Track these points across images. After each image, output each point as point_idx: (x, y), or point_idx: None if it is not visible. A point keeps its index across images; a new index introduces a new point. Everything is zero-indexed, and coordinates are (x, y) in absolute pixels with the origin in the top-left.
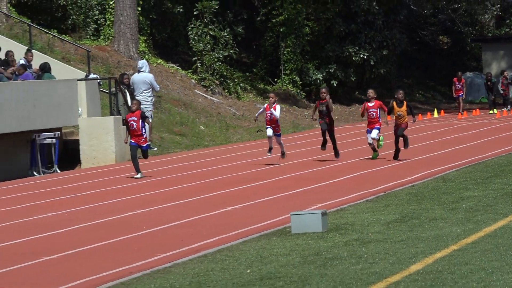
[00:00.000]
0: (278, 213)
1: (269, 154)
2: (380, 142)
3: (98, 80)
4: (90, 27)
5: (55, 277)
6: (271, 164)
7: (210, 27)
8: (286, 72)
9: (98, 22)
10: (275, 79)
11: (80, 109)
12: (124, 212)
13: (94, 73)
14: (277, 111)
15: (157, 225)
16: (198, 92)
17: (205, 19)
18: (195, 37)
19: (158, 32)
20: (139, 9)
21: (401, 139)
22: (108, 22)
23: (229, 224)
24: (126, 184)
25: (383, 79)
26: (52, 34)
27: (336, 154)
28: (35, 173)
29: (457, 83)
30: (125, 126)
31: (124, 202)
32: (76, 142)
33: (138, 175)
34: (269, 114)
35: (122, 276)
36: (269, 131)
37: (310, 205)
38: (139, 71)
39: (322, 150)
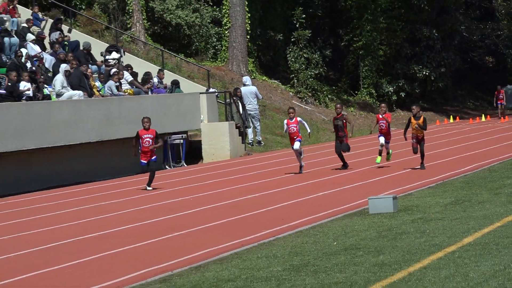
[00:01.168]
0: (358, 198)
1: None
2: (389, 156)
3: (216, 93)
4: (210, 52)
5: (203, 243)
6: (353, 159)
7: (304, 50)
8: (364, 86)
9: (216, 47)
10: (356, 91)
11: (202, 116)
12: (238, 197)
13: (213, 88)
14: (305, 124)
15: (264, 206)
16: (294, 102)
17: (300, 45)
18: (292, 59)
19: (263, 55)
20: (248, 37)
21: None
22: (223, 48)
23: (320, 206)
24: (240, 175)
25: (441, 91)
26: (179, 57)
27: (344, 165)
28: (167, 166)
29: (498, 94)
30: (236, 130)
31: (238, 189)
32: (199, 142)
33: (149, 188)
34: (291, 128)
35: (236, 248)
36: (296, 144)
37: (383, 191)
38: (244, 85)
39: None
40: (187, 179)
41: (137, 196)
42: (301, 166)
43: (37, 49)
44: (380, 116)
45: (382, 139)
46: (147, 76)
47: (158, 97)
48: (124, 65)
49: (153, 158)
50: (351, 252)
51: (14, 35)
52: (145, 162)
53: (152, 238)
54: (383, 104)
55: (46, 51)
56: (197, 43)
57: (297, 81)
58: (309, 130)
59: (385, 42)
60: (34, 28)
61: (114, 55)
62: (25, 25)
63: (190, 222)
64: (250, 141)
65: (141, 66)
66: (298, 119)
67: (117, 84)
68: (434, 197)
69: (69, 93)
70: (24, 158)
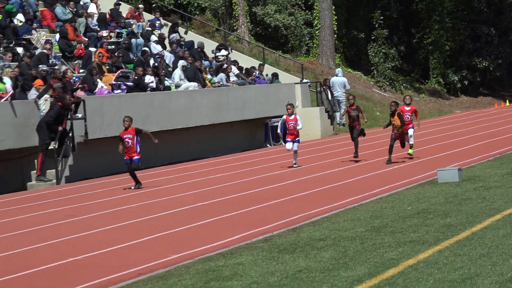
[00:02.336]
0: (428, 170)
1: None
2: (410, 152)
3: (308, 83)
4: (303, 48)
5: (299, 209)
6: (419, 138)
7: (382, 47)
8: (433, 75)
9: (308, 45)
10: (426, 80)
11: (297, 102)
12: (326, 170)
13: (306, 79)
14: (299, 121)
15: (348, 178)
16: (375, 90)
17: (379, 42)
18: (372, 54)
19: (347, 50)
20: (335, 36)
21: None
22: (314, 45)
23: (396, 177)
24: (328, 152)
25: (499, 80)
26: (278, 54)
27: (356, 154)
28: (267, 145)
29: None
30: (325, 114)
31: (326, 163)
32: None
33: (136, 186)
34: (291, 124)
35: (326, 212)
36: (289, 145)
37: (450, 164)
38: (336, 75)
39: (355, 157)
40: (284, 155)
41: (244, 170)
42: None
43: (158, 48)
44: (406, 108)
45: (411, 131)
46: (251, 69)
47: (260, 87)
48: (231, 60)
49: (135, 158)
50: (423, 215)
51: (139, 37)
52: (128, 159)
53: (257, 205)
54: (407, 96)
55: (166, 50)
56: (292, 42)
57: (376, 72)
58: (300, 127)
59: (450, 39)
60: (156, 31)
61: (223, 52)
62: (148, 28)
63: (287, 191)
64: (338, 123)
65: (246, 61)
66: (298, 117)
67: (226, 76)
68: (493, 169)
69: (185, 84)
70: (148, 139)
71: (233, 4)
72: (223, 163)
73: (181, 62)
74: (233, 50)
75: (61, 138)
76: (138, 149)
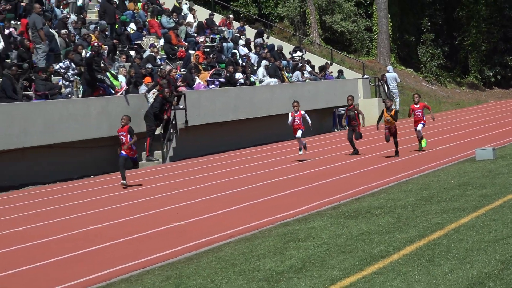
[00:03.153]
0: (468, 150)
1: (300, 152)
2: (423, 144)
3: (368, 79)
4: (364, 50)
5: (361, 182)
6: (460, 124)
7: (429, 48)
8: (472, 71)
9: (368, 47)
10: (466, 75)
11: (359, 94)
12: (382, 150)
13: (366, 75)
14: (306, 116)
15: (401, 157)
16: (423, 84)
17: (427, 43)
18: (421, 54)
19: (401, 51)
20: (390, 39)
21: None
22: (373, 47)
23: (442, 155)
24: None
25: None
26: (343, 54)
27: (354, 151)
28: (335, 129)
29: None
30: (382, 103)
31: (381, 145)
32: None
33: (124, 181)
34: (296, 120)
35: (383, 185)
36: (299, 132)
37: (485, 145)
38: (388, 72)
39: (353, 154)
40: (347, 143)
41: (316, 150)
42: (302, 148)
43: (245, 50)
44: (416, 106)
45: (420, 126)
46: (326, 65)
47: (329, 82)
48: (305, 60)
49: (133, 157)
50: (463, 187)
51: (230, 41)
52: (125, 154)
53: (327, 179)
54: (416, 95)
55: (252, 52)
56: (355, 44)
57: (424, 69)
58: (310, 122)
59: (486, 41)
60: (242, 36)
61: (298, 53)
62: (237, 34)
63: (351, 168)
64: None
65: (317, 61)
66: (302, 112)
67: (301, 73)
68: None
69: (267, 80)
70: (237, 126)
71: (307, 14)
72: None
73: (264, 62)
74: (306, 52)
75: (166, 125)
76: (133, 147)
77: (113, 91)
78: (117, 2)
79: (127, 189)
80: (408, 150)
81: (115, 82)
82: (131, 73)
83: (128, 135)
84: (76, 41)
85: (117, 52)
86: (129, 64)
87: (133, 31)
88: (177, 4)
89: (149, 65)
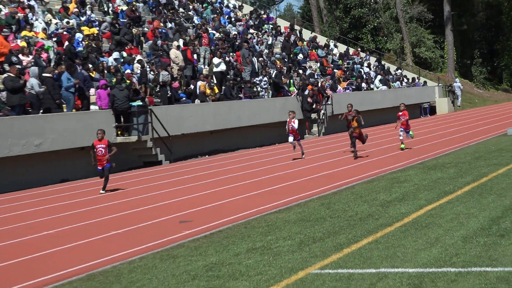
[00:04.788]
0: (503, 128)
1: (294, 150)
2: (411, 134)
3: (441, 86)
4: (439, 68)
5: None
6: (496, 112)
7: (478, 67)
8: (505, 81)
9: (441, 66)
10: (501, 83)
11: (436, 95)
12: (447, 130)
13: (440, 84)
14: (295, 124)
15: (458, 133)
16: (475, 89)
17: (477, 64)
18: (474, 71)
19: (461, 69)
20: (455, 61)
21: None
22: (444, 67)
23: (486, 132)
24: (447, 121)
25: None
26: (426, 71)
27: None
28: (421, 116)
29: None
30: (450, 101)
31: (445, 127)
32: (434, 107)
33: (103, 191)
34: (290, 126)
35: (448, 150)
36: (290, 138)
37: None
38: (455, 82)
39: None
40: (429, 125)
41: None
42: (302, 153)
43: (367, 69)
44: (400, 113)
45: (401, 132)
46: (413, 79)
47: (417, 88)
48: (403, 75)
49: (107, 164)
50: (500, 151)
51: (358, 64)
52: (101, 168)
53: (418, 145)
54: (401, 104)
55: (371, 70)
56: (433, 65)
57: (475, 80)
58: (296, 127)
59: None
60: (366, 61)
61: (399, 71)
62: (361, 60)
63: (432, 139)
64: (458, 106)
65: (410, 75)
66: (296, 121)
67: (400, 83)
68: None
69: (381, 87)
70: (364, 114)
71: (404, 47)
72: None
73: (379, 77)
74: (403, 70)
75: (318, 114)
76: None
77: (289, 94)
78: (292, 42)
79: (284, 154)
80: (466, 131)
81: (291, 89)
82: (300, 83)
83: (108, 148)
84: (268, 64)
85: (291, 70)
86: (298, 77)
87: (301, 58)
88: (327, 42)
89: (311, 79)
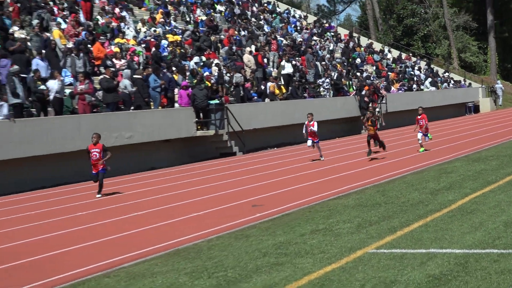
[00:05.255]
0: None
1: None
2: (430, 136)
3: (484, 87)
4: (482, 71)
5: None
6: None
7: None
8: None
9: (484, 70)
10: None
11: (480, 95)
12: (488, 127)
13: (483, 85)
14: (315, 127)
15: (487, 133)
16: None
17: None
18: None
19: (502, 72)
20: (497, 65)
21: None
22: (488, 70)
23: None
24: (489, 120)
25: None
26: (471, 74)
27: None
28: (466, 114)
29: None
30: (492, 101)
31: (484, 125)
32: (478, 106)
33: (99, 195)
34: (309, 129)
35: (489, 145)
36: (309, 142)
37: None
38: (497, 84)
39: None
40: (472, 122)
41: (458, 126)
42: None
43: (418, 72)
44: (419, 117)
45: (419, 135)
46: (458, 81)
47: (462, 89)
48: (450, 77)
49: (102, 170)
50: None
51: (410, 67)
52: (95, 173)
53: (461, 141)
54: (420, 107)
55: (422, 73)
56: (477, 69)
57: None
58: (315, 129)
59: None
60: (417, 65)
61: (446, 74)
62: (413, 64)
63: (476, 134)
64: (499, 105)
65: (456, 77)
66: (315, 123)
67: (447, 84)
68: None
69: (430, 88)
70: (412, 113)
71: (451, 52)
72: (451, 123)
73: (429, 79)
74: (450, 73)
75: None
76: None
77: (348, 94)
78: (350, 48)
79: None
80: (507, 127)
81: (350, 89)
82: (357, 84)
83: (102, 152)
84: (329, 67)
85: (350, 73)
86: (356, 79)
87: (358, 62)
88: (382, 48)
89: (367, 81)
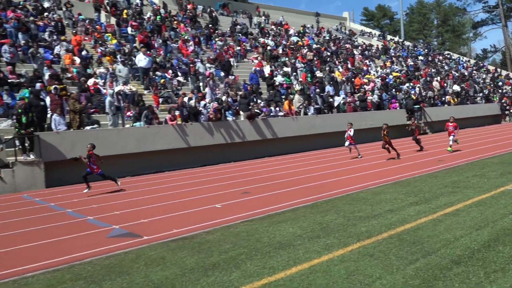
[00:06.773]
0: None
1: (350, 153)
2: (457, 141)
3: None
4: None
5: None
6: None
7: None
8: None
9: None
10: None
11: None
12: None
13: None
14: (351, 132)
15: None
16: None
17: None
18: None
19: None
20: None
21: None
22: None
23: None
24: None
25: None
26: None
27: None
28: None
29: None
30: None
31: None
32: None
33: (86, 190)
34: (347, 134)
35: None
36: (346, 143)
37: None
38: None
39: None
40: (499, 129)
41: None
42: (358, 154)
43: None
44: (450, 124)
45: (451, 138)
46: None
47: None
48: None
49: (98, 172)
50: None
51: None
52: (90, 170)
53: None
54: (451, 117)
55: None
56: None
57: None
58: (351, 134)
59: None
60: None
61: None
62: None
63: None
64: None
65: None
66: (352, 130)
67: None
68: None
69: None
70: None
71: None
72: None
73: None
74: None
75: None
76: (94, 167)
77: (493, 101)
78: (495, 76)
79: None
80: None
81: (494, 98)
82: (499, 96)
83: (96, 158)
84: (483, 87)
85: (494, 90)
86: (499, 93)
87: (500, 84)
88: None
89: (506, 94)
